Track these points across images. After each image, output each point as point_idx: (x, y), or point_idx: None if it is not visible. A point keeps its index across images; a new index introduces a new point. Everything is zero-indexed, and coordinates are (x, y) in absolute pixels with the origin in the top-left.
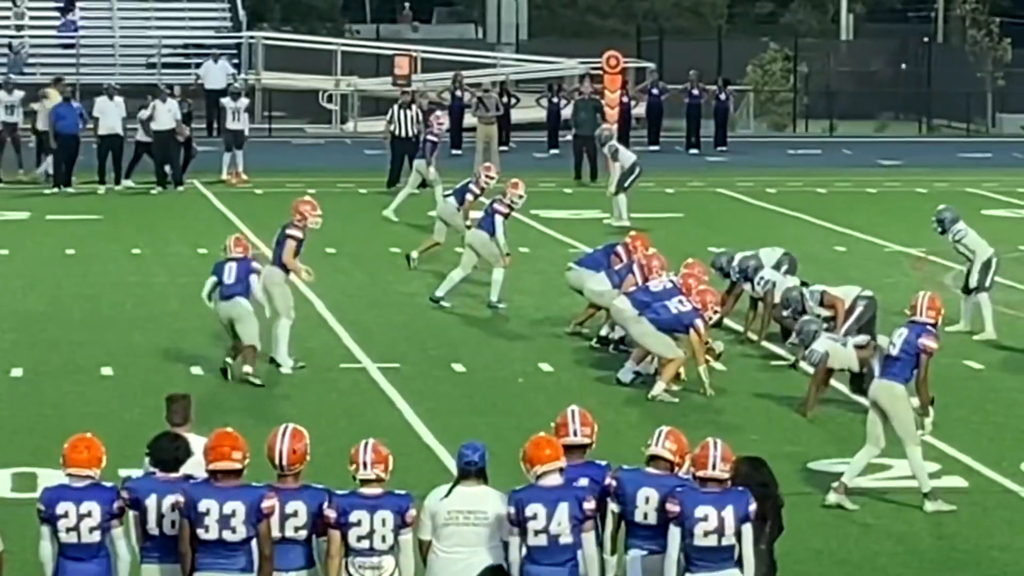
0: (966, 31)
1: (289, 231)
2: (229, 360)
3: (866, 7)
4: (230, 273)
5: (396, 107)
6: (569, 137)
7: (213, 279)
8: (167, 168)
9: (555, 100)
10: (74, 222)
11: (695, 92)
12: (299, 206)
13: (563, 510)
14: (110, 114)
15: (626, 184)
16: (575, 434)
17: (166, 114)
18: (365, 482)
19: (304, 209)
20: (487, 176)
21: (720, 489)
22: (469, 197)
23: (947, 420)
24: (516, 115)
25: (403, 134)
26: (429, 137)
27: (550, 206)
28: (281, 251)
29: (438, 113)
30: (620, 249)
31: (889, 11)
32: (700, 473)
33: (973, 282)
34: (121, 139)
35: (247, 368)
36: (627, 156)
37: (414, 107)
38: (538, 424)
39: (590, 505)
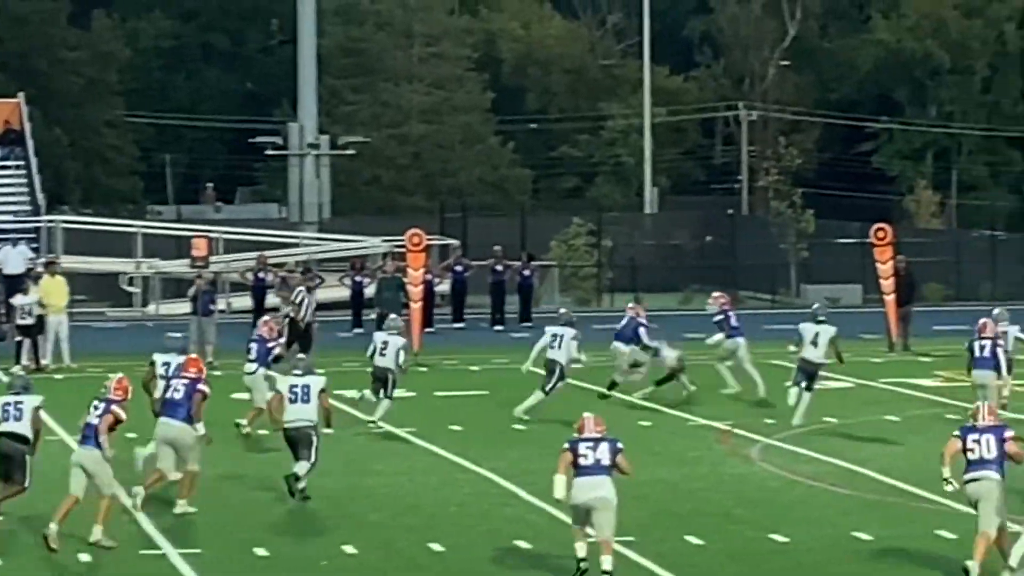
0: (769, 202)
1: (114, 408)
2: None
3: (670, 180)
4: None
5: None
6: (373, 316)
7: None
8: None
9: (358, 279)
10: None
11: (499, 268)
12: (124, 382)
13: None
14: None
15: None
16: None
17: None
18: None
19: (126, 385)
20: None
21: None
22: None
23: None
24: (319, 295)
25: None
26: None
27: (353, 386)
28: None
29: None
30: None
31: (693, 183)
32: None
33: None
34: None
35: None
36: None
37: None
38: None
39: None
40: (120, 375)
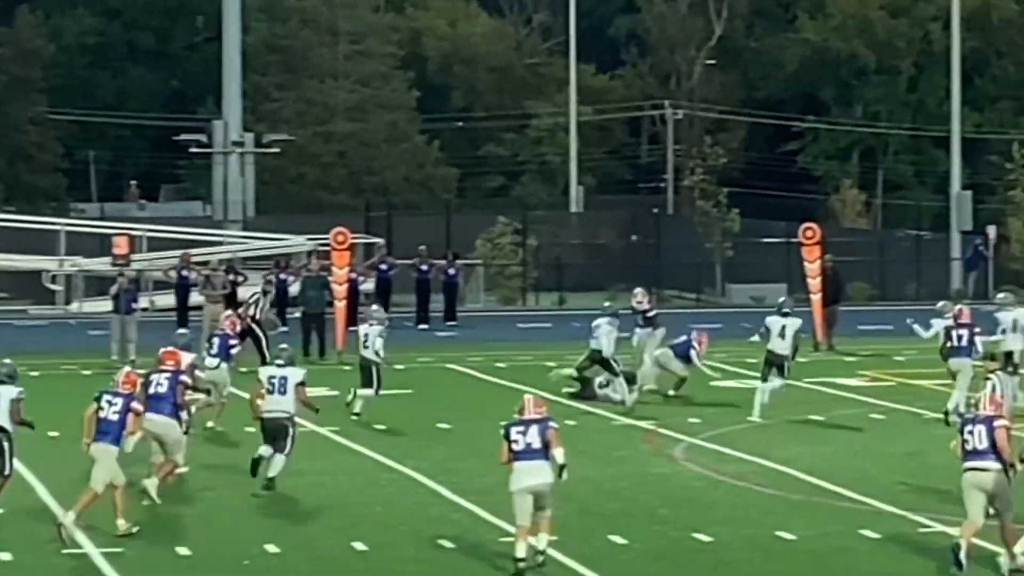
0: (695, 202)
1: (134, 405)
2: None
3: (596, 179)
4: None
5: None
6: (298, 314)
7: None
8: None
9: (282, 277)
10: None
11: (424, 267)
12: (132, 376)
13: None
14: None
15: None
16: None
17: None
18: None
19: (134, 379)
20: None
21: None
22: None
23: None
24: (243, 292)
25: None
26: None
27: None
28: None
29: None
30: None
31: (619, 182)
32: None
33: None
34: None
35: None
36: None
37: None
38: None
39: None
40: (127, 369)
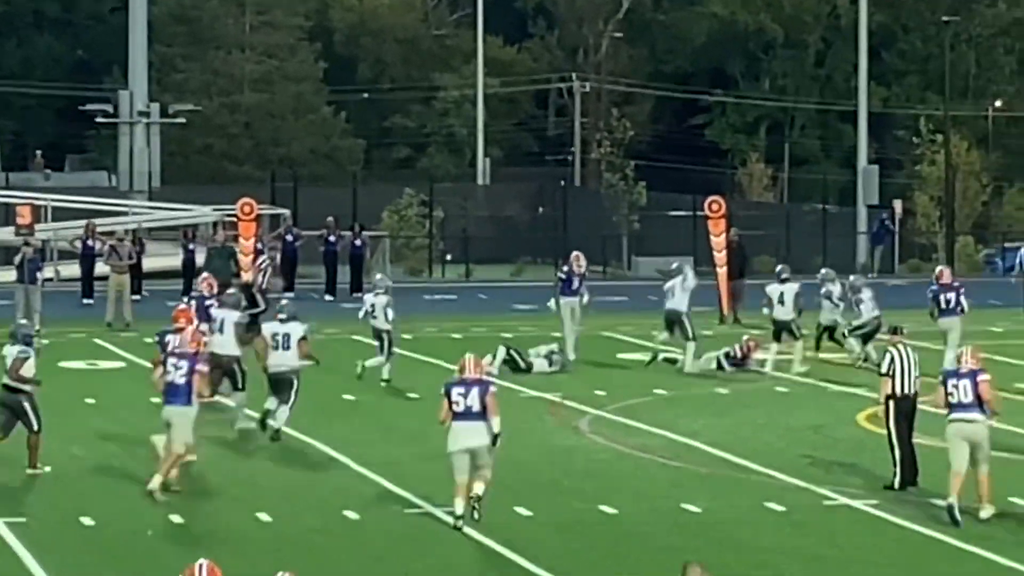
0: (602, 175)
1: (199, 367)
2: None
3: (503, 151)
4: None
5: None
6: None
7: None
8: None
9: (190, 247)
10: None
11: (331, 239)
12: (196, 336)
13: None
14: None
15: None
16: None
17: None
18: None
19: (199, 338)
20: None
21: None
22: None
23: None
24: (149, 263)
25: None
26: None
27: None
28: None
29: None
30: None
31: (526, 154)
32: None
33: None
34: None
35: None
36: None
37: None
38: None
39: None
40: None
